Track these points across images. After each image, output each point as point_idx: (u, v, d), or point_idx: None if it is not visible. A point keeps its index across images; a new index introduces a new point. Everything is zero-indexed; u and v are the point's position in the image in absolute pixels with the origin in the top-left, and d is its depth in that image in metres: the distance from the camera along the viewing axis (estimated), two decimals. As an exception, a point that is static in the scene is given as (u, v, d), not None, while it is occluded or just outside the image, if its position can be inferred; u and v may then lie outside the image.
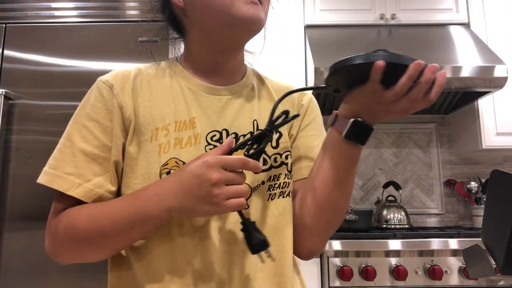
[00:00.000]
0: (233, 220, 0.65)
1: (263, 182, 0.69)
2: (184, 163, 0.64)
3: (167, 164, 0.64)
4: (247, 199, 0.67)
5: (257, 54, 0.82)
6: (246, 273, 0.65)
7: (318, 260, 1.66)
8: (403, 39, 2.10)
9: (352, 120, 0.60)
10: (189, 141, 0.66)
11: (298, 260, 0.75)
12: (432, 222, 2.27)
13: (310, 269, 1.63)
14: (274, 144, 0.71)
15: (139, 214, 0.59)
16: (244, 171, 0.59)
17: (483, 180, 2.16)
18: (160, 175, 0.63)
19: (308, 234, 0.70)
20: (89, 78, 1.78)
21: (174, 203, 0.57)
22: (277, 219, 0.69)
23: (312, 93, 0.83)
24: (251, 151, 0.61)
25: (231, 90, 0.73)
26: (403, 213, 2.01)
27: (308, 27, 2.16)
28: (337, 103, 2.25)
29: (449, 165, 2.33)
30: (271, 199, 0.69)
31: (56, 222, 0.64)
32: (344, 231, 1.68)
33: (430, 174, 2.32)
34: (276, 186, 0.70)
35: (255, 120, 0.72)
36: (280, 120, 0.65)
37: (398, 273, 1.55)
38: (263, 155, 0.69)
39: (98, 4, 1.90)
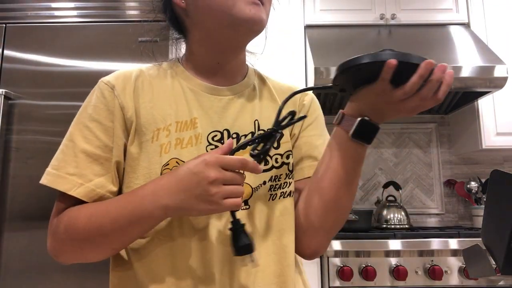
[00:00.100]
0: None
1: (264, 182, 0.69)
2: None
3: (168, 164, 0.64)
4: (248, 199, 0.67)
5: (259, 54, 0.82)
6: (247, 274, 0.65)
7: (318, 260, 1.66)
8: (403, 39, 2.10)
9: (359, 119, 0.60)
10: (190, 141, 0.66)
11: (301, 260, 0.75)
12: (432, 222, 2.27)
13: (310, 269, 1.63)
14: (275, 144, 0.71)
15: (135, 212, 0.59)
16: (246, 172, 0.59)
17: (483, 180, 2.16)
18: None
19: (314, 234, 0.70)
20: (89, 78, 1.80)
21: (169, 200, 0.57)
22: (279, 219, 0.69)
23: (313, 93, 0.83)
24: (256, 151, 0.61)
25: (232, 90, 0.73)
26: (403, 213, 2.02)
27: (308, 27, 2.16)
28: (337, 103, 2.25)
29: (449, 165, 2.34)
30: (272, 199, 0.69)
31: (57, 222, 0.64)
32: (344, 231, 1.67)
33: (430, 174, 2.32)
34: (278, 186, 0.70)
35: (256, 120, 0.72)
36: (286, 121, 0.65)
37: (398, 273, 1.55)
38: None
39: (98, 4, 1.90)
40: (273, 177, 0.70)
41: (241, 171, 0.59)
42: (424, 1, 2.18)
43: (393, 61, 0.51)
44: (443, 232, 1.72)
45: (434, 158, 2.34)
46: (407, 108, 0.57)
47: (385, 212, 2.03)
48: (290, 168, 0.72)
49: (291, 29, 2.14)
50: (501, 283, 1.58)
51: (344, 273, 1.56)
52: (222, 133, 0.69)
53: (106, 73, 0.71)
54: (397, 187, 2.11)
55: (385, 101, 0.57)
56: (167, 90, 0.70)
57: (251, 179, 0.67)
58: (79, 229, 0.61)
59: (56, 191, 0.64)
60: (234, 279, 0.64)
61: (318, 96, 2.10)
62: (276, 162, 0.71)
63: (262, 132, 0.71)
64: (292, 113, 0.65)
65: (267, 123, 0.72)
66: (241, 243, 0.59)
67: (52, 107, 1.78)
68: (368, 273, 1.55)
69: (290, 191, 0.71)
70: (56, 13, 1.90)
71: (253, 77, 0.78)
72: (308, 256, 0.73)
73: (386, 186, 2.16)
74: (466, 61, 1.89)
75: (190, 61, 0.74)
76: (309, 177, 0.72)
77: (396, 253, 1.61)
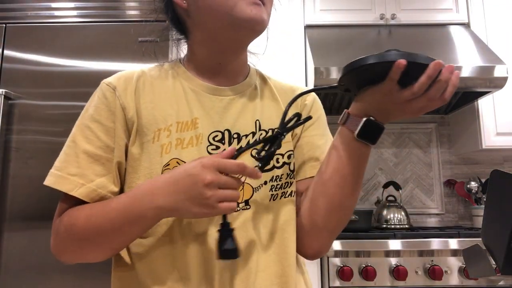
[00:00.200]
0: (234, 222, 0.65)
1: (265, 182, 0.69)
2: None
3: (169, 164, 0.64)
4: (248, 199, 0.67)
5: (260, 55, 0.82)
6: (248, 274, 0.65)
7: (318, 260, 1.66)
8: (403, 39, 2.10)
9: (365, 119, 0.60)
10: (190, 141, 0.66)
11: (303, 260, 0.75)
12: (432, 222, 2.27)
13: (310, 269, 1.62)
14: None
15: (131, 212, 0.59)
16: None
17: (483, 180, 2.16)
18: (162, 176, 0.64)
19: (317, 234, 0.70)
20: (89, 78, 1.80)
21: (164, 201, 0.57)
22: (280, 219, 0.69)
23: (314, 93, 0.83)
24: (262, 153, 0.61)
25: (234, 90, 0.73)
26: (403, 213, 2.02)
27: (308, 27, 2.16)
28: (337, 103, 2.25)
29: (449, 165, 2.34)
30: (273, 200, 0.69)
31: (59, 222, 0.65)
32: (344, 231, 1.66)
33: (430, 174, 2.32)
34: (279, 186, 0.70)
35: (257, 120, 0.72)
36: (292, 123, 0.65)
37: (398, 273, 1.55)
38: None
39: (98, 4, 1.90)
40: (274, 177, 0.70)
41: (240, 176, 0.59)
42: (424, 1, 2.18)
43: (402, 61, 0.51)
44: (443, 232, 1.72)
45: (434, 158, 2.34)
46: (413, 108, 0.57)
47: (385, 212, 2.03)
48: (292, 168, 0.72)
49: (291, 29, 2.14)
50: (501, 283, 1.58)
51: (344, 273, 1.56)
52: (223, 133, 0.69)
53: (106, 73, 0.72)
54: (397, 187, 2.12)
55: (392, 101, 0.57)
56: (168, 91, 0.70)
57: (252, 179, 0.67)
58: (79, 229, 0.62)
59: (59, 192, 0.65)
60: (234, 280, 0.64)
61: (318, 95, 2.10)
62: (277, 162, 0.71)
63: (263, 132, 0.71)
64: (298, 115, 0.65)
65: (268, 123, 0.72)
66: (227, 246, 0.58)
67: (52, 107, 1.78)
68: (368, 273, 1.55)
69: (292, 191, 0.71)
70: (56, 13, 1.90)
71: (255, 77, 0.78)
72: (311, 257, 0.73)
73: (386, 186, 2.16)
74: (466, 61, 1.89)
75: (191, 62, 0.74)
76: (311, 177, 0.72)
77: (396, 253, 1.61)
